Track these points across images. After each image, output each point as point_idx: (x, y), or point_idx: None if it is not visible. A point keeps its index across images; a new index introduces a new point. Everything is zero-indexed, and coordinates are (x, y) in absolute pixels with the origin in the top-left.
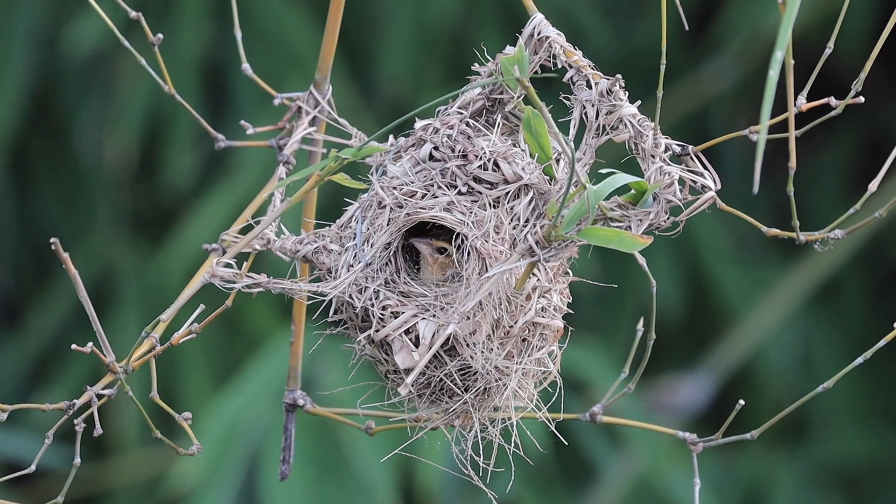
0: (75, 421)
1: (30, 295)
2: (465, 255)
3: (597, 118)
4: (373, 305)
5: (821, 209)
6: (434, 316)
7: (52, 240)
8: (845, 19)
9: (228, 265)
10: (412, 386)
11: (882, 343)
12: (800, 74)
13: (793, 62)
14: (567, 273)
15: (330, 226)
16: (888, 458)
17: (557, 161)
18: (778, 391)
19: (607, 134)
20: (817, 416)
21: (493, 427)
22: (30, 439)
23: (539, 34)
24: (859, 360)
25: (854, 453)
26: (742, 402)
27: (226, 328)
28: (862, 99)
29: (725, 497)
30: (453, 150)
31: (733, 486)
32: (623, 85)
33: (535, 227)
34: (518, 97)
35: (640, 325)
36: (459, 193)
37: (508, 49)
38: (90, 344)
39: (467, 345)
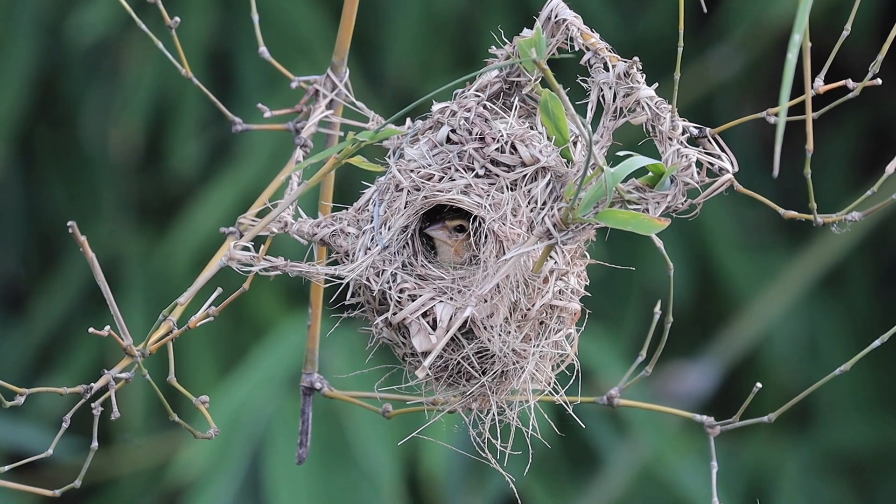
0: (93, 405)
1: (35, 282)
2: (483, 237)
3: (614, 101)
4: (390, 288)
5: (826, 196)
6: (451, 299)
7: (69, 223)
8: (849, 5)
9: (246, 248)
10: (429, 369)
11: None
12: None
13: (809, 45)
14: (584, 256)
15: (347, 209)
16: (893, 446)
17: (575, 144)
18: (783, 378)
19: (624, 116)
20: (822, 404)
21: (511, 410)
22: (33, 428)
23: (556, 17)
24: (876, 342)
25: (859, 441)
26: (759, 384)
27: (231, 316)
28: (879, 81)
29: (730, 484)
30: (471, 133)
31: (738, 473)
32: (640, 67)
33: (552, 209)
34: (535, 80)
35: (657, 308)
36: (477, 176)
37: (526, 32)
38: (107, 327)
39: (485, 328)
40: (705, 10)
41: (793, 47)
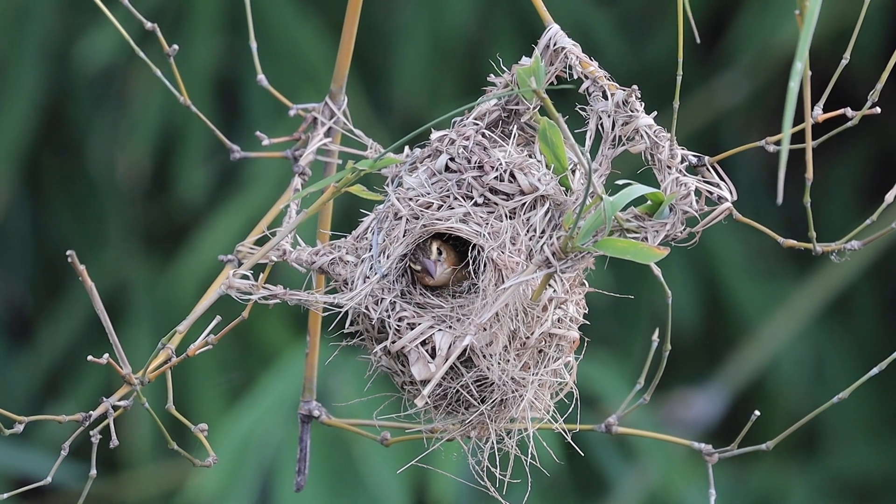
0: (91, 433)
1: (42, 309)
2: (482, 266)
3: (613, 129)
4: (389, 317)
5: (832, 223)
6: (450, 327)
7: (68, 252)
8: (853, 33)
9: (245, 276)
10: (428, 397)
11: None
12: (813, 87)
13: (810, 73)
14: (583, 284)
15: (345, 237)
16: None
17: (573, 172)
18: (790, 403)
19: (623, 145)
20: (829, 429)
21: (510, 438)
22: (41, 454)
23: (555, 45)
24: (875, 370)
25: (866, 466)
26: (757, 412)
27: (238, 343)
28: (878, 110)
29: None
30: (469, 161)
31: (746, 498)
32: (639, 96)
33: (551, 238)
34: (534, 108)
35: (655, 336)
36: (475, 204)
37: (524, 60)
38: (106, 355)
39: (484, 356)
40: (698, 40)
41: (794, 75)
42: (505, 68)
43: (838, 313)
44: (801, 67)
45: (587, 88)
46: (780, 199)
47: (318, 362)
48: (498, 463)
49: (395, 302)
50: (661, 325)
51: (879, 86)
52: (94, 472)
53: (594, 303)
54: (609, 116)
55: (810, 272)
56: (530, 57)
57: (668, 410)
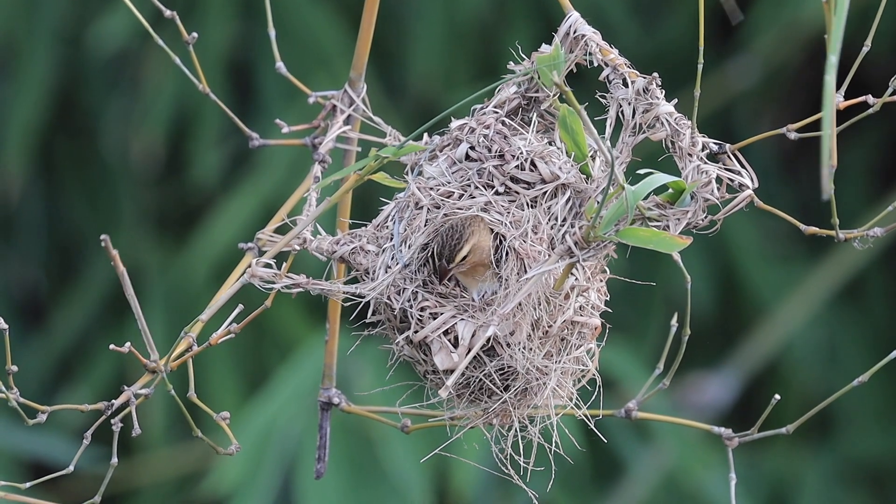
0: (112, 420)
1: (56, 293)
2: (504, 255)
3: (633, 116)
4: (411, 307)
5: (845, 207)
6: (473, 317)
7: (102, 237)
8: (872, 18)
9: (268, 265)
10: (452, 387)
11: None
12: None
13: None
14: (604, 271)
15: (365, 225)
16: None
17: (593, 159)
18: (804, 387)
19: (644, 132)
20: (843, 414)
21: (533, 426)
22: (55, 439)
23: (575, 32)
24: (894, 353)
25: (880, 451)
26: (777, 396)
27: (253, 331)
28: None
29: (752, 494)
30: (490, 150)
31: (760, 482)
32: (660, 83)
33: (573, 227)
34: (554, 95)
35: (674, 321)
36: (497, 193)
37: (544, 47)
38: (128, 344)
39: (507, 345)
40: (733, 23)
41: (829, 69)
42: (525, 55)
43: (851, 297)
44: (834, 60)
45: (607, 76)
46: (825, 195)
47: (337, 350)
48: (522, 450)
49: (417, 292)
50: (676, 309)
51: None
52: (115, 460)
53: (608, 287)
54: (629, 104)
55: (824, 256)
56: (549, 43)
57: (682, 395)
